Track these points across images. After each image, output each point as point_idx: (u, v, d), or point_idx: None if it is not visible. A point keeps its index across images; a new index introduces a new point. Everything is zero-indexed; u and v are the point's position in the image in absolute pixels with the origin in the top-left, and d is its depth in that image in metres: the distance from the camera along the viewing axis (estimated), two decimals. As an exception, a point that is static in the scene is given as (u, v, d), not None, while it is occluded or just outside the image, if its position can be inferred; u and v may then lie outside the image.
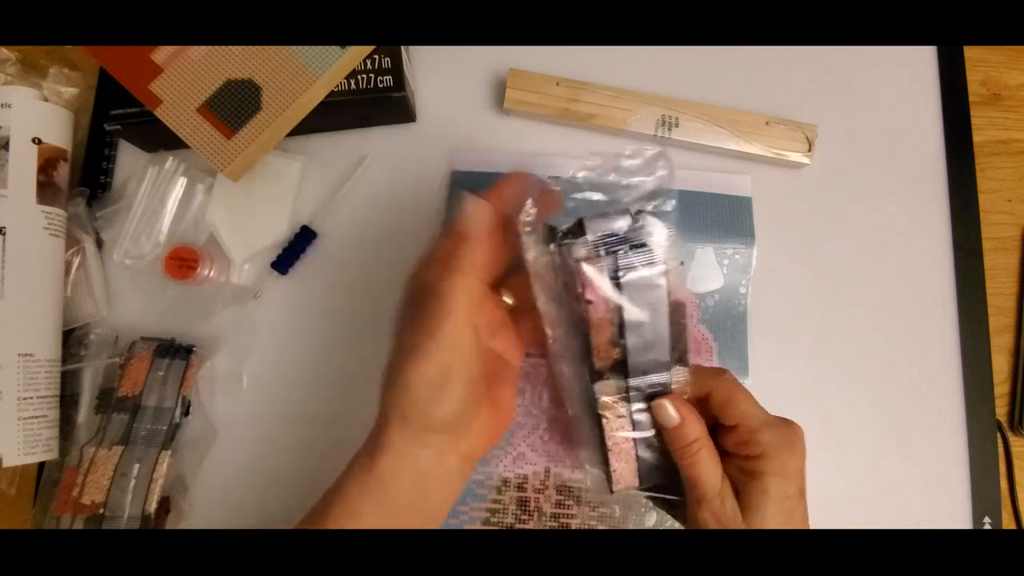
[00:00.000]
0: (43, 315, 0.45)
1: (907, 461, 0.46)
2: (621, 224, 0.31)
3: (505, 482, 0.45)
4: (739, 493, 0.33)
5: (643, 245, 0.31)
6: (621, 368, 0.33)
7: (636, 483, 0.36)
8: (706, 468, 0.33)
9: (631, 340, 0.32)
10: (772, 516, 0.33)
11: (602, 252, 0.30)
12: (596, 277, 0.30)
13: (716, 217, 0.48)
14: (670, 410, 0.34)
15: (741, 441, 0.34)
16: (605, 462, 0.35)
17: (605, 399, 0.34)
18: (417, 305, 0.33)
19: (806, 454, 0.34)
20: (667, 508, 0.39)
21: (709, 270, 0.48)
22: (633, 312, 0.31)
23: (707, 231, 0.48)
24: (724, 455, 0.34)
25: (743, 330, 0.47)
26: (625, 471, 0.36)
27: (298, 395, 0.46)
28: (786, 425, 0.34)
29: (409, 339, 0.32)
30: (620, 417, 0.34)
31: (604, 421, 0.34)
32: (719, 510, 0.33)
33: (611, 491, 0.36)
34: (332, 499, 0.33)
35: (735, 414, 0.34)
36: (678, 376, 0.34)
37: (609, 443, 0.35)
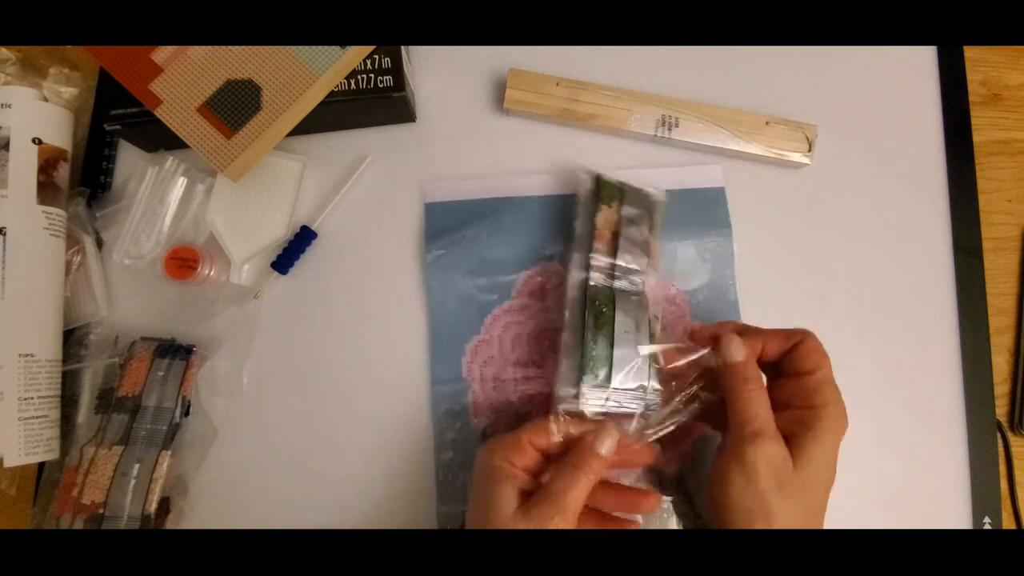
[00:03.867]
0: (43, 315, 0.45)
1: (907, 461, 0.46)
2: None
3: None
4: (790, 443, 0.34)
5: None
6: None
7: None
8: (764, 405, 0.35)
9: None
10: (819, 466, 0.34)
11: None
12: None
13: (691, 212, 0.48)
14: (738, 344, 0.36)
15: (807, 390, 0.35)
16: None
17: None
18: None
19: None
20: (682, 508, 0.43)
21: (692, 266, 0.47)
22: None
23: (684, 227, 0.47)
24: (777, 408, 0.35)
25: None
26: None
27: (298, 395, 0.46)
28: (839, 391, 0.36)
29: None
30: None
31: None
32: (773, 451, 0.33)
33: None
34: None
35: (817, 360, 0.36)
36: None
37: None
